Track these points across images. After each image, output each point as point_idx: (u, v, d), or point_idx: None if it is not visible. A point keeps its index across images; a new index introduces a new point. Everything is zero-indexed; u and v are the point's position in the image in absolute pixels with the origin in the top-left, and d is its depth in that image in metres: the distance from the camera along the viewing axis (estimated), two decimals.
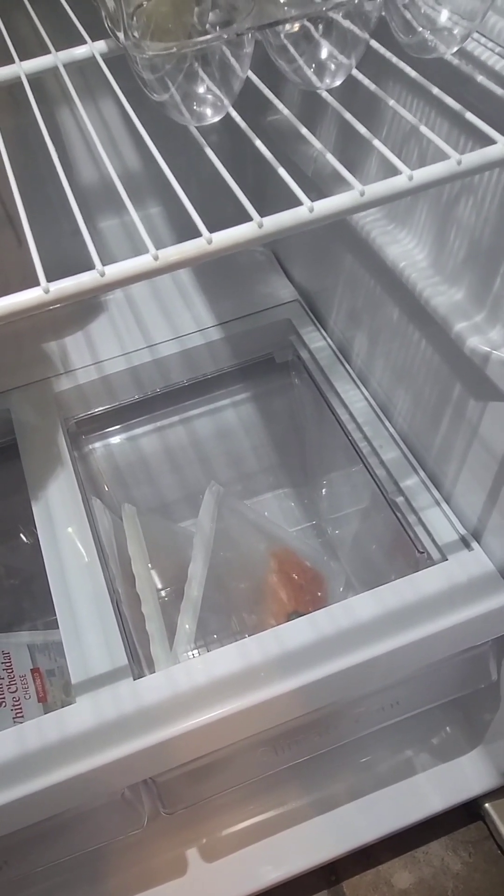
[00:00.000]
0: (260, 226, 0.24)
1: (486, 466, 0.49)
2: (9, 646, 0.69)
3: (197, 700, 0.48)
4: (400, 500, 0.58)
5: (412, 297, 0.47)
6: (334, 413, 0.65)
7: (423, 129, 0.27)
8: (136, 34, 0.25)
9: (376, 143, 0.27)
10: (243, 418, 0.78)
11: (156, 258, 0.23)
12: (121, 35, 0.26)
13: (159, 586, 0.74)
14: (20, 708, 0.64)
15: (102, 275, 0.23)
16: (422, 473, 0.59)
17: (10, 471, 0.72)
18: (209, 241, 0.23)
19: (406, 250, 0.47)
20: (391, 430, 0.62)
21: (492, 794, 0.70)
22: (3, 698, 0.64)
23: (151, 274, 0.24)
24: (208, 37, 0.24)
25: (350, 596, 0.73)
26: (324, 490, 0.81)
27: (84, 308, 0.74)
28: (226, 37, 0.24)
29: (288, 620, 0.69)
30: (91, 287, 0.24)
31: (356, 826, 0.66)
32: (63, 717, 0.48)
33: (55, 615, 0.72)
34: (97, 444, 0.74)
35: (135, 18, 0.25)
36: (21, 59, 0.35)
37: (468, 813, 0.72)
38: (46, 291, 0.23)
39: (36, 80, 0.38)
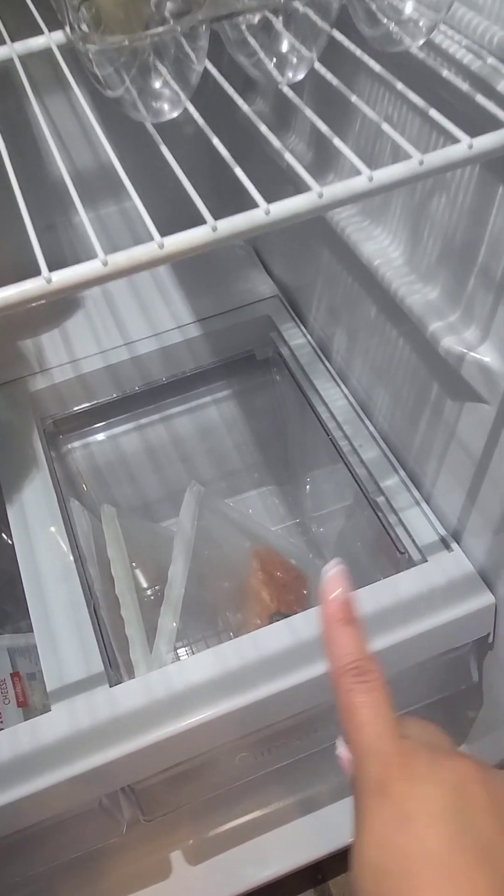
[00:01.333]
0: (214, 229, 0.23)
1: (464, 467, 0.49)
2: None
3: (174, 707, 0.47)
4: (381, 499, 0.58)
5: (388, 295, 0.46)
6: (315, 411, 0.64)
7: (385, 126, 0.26)
8: (83, 27, 0.24)
9: (336, 141, 0.26)
10: (224, 416, 0.77)
11: (105, 264, 0.22)
12: (68, 28, 0.25)
13: (144, 586, 0.73)
14: None
15: (49, 282, 0.22)
16: (402, 473, 0.58)
17: None
18: (161, 246, 0.22)
19: (381, 247, 0.46)
20: (371, 428, 0.61)
21: None
22: None
23: (102, 280, 0.23)
24: (160, 29, 0.23)
25: None
26: (307, 487, 0.80)
27: (60, 305, 0.72)
28: (179, 29, 0.23)
29: (271, 620, 0.69)
30: (36, 294, 0.23)
31: (341, 826, 0.66)
32: (38, 726, 0.47)
33: None
34: (75, 444, 0.73)
35: (82, 10, 0.24)
36: None
37: None
38: None
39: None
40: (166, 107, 0.26)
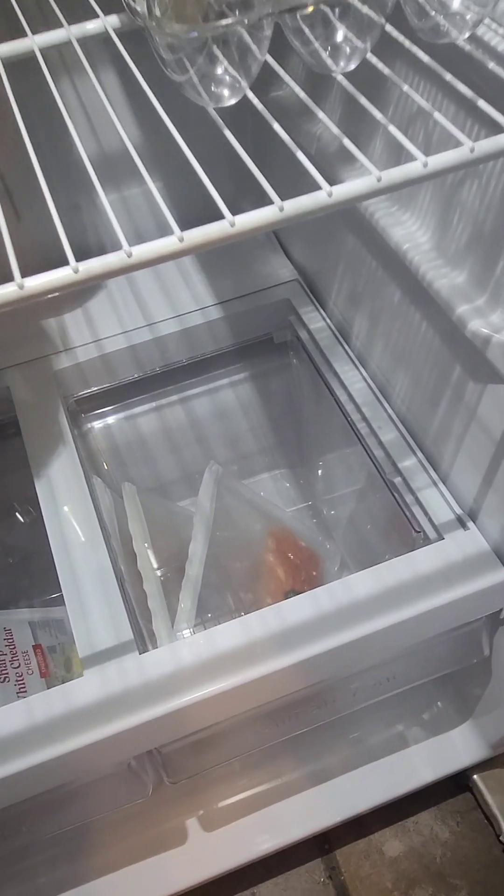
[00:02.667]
0: (281, 209, 0.24)
1: (483, 448, 0.51)
2: (10, 623, 0.70)
3: (200, 674, 0.49)
4: (398, 480, 0.59)
5: (414, 279, 0.48)
6: (333, 394, 0.66)
7: (438, 115, 0.27)
8: (157, 11, 0.25)
9: (392, 129, 0.27)
10: (241, 398, 0.78)
11: (181, 240, 0.24)
12: (139, 8, 0.26)
13: (158, 565, 0.75)
14: (23, 683, 0.65)
15: (129, 255, 0.24)
16: (420, 454, 0.60)
17: (6, 449, 0.72)
18: (232, 224, 0.24)
19: (409, 232, 0.47)
20: (390, 411, 0.62)
21: (479, 767, 0.72)
22: (7, 674, 0.65)
23: (176, 255, 0.25)
24: (229, 21, 0.24)
25: (345, 575, 0.74)
26: (320, 471, 0.82)
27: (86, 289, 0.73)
28: (247, 21, 0.24)
29: (285, 599, 0.71)
30: (118, 268, 0.24)
31: (349, 797, 0.68)
32: (71, 690, 0.49)
33: (54, 593, 0.73)
34: (96, 423, 0.74)
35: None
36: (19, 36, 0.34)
37: (456, 784, 0.75)
38: (76, 271, 0.24)
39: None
40: (226, 93, 0.27)
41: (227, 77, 0.27)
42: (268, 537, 0.75)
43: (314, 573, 0.77)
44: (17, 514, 0.85)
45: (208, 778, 0.67)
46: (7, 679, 0.65)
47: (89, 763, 0.48)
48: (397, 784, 0.68)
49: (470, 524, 0.55)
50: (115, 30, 0.33)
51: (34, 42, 0.33)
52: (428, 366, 0.54)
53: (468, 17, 0.28)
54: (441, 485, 0.58)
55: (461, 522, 0.55)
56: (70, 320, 0.71)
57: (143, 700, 0.48)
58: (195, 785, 0.67)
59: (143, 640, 0.56)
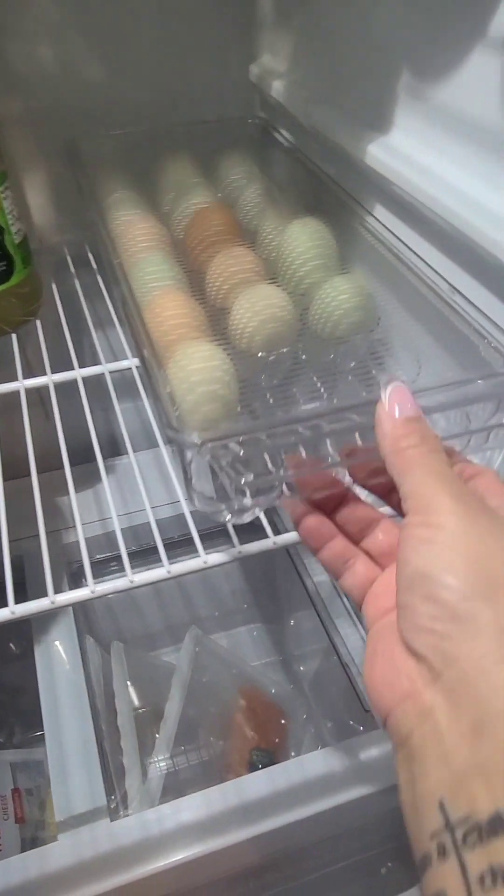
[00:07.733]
0: (168, 572, 0.38)
1: None
2: None
3: (166, 843, 0.55)
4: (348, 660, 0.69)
5: None
6: (301, 578, 0.76)
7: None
8: None
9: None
10: (224, 568, 0.89)
11: (168, 572, 0.36)
12: None
13: (139, 704, 0.82)
14: None
15: (132, 582, 0.36)
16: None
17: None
18: (205, 562, 0.36)
19: None
20: (347, 604, 0.73)
21: None
22: None
23: (165, 579, 0.36)
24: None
25: (311, 726, 0.81)
26: (291, 632, 0.91)
27: (96, 474, 0.85)
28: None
29: (251, 754, 0.77)
30: (123, 588, 0.36)
31: None
32: (46, 854, 0.54)
33: (38, 731, 0.79)
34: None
35: None
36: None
37: None
38: (132, 581, 0.37)
39: None
40: None
41: None
42: (239, 696, 0.83)
43: (282, 721, 0.84)
44: (10, 644, 0.92)
45: None
46: None
47: None
48: None
49: None
50: (136, 367, 0.47)
51: (105, 368, 0.47)
52: None
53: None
54: None
55: None
56: (80, 499, 0.82)
57: (110, 867, 0.53)
58: None
59: (115, 794, 0.62)
